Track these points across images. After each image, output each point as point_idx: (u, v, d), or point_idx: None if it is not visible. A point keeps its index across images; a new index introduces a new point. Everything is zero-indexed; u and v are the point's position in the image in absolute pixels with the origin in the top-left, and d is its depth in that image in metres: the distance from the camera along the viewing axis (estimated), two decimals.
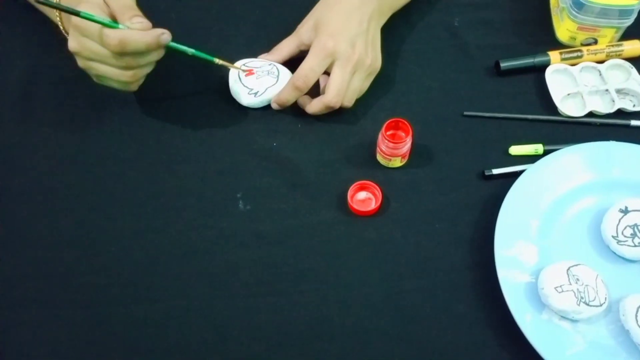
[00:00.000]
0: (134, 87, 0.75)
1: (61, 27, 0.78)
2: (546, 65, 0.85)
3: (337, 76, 0.76)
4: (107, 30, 0.67)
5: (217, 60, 0.76)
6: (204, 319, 0.70)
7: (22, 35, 0.88)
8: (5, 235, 0.75)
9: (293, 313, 0.70)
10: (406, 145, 0.76)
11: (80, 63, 0.73)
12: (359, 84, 0.79)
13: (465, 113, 0.83)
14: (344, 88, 0.77)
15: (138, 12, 0.70)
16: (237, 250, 0.74)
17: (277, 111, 0.81)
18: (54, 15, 0.78)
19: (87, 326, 0.70)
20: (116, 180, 0.78)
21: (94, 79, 0.75)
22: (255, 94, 0.80)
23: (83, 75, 0.84)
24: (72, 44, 0.70)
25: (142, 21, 0.69)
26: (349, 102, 0.79)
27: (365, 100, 0.81)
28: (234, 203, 0.76)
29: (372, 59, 0.79)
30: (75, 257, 0.74)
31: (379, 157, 0.79)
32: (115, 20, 0.69)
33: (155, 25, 0.71)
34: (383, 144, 0.76)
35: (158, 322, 0.70)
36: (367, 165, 0.79)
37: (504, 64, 0.85)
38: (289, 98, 0.79)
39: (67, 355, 0.69)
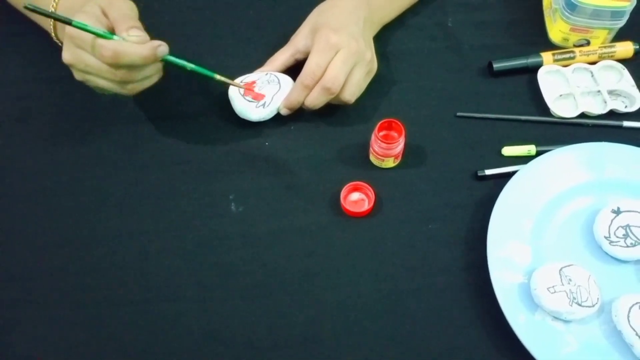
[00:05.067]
0: (131, 91, 0.73)
1: (53, 35, 0.78)
2: (539, 66, 0.86)
3: (338, 61, 0.75)
4: (100, 41, 0.65)
5: (217, 76, 0.75)
6: (196, 321, 0.70)
7: (20, 34, 0.88)
8: (4, 233, 0.75)
9: (286, 315, 0.70)
10: (399, 146, 0.76)
11: (77, 75, 0.71)
12: (360, 78, 0.78)
13: (458, 114, 0.83)
14: (343, 73, 0.76)
15: (137, 23, 0.69)
16: (230, 252, 0.74)
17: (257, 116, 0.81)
18: (47, 23, 0.78)
19: (79, 326, 0.70)
20: (109, 181, 0.78)
21: (96, 90, 0.73)
22: (264, 105, 0.79)
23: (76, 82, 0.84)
24: (66, 56, 0.69)
25: (139, 34, 0.68)
26: (350, 95, 0.78)
27: (357, 101, 0.80)
28: (226, 205, 0.76)
29: (371, 56, 0.80)
30: (67, 257, 0.74)
31: (372, 158, 0.79)
32: (112, 31, 0.68)
33: (151, 30, 0.70)
34: (376, 145, 0.76)
35: (150, 323, 0.70)
36: (360, 165, 0.79)
37: (497, 65, 0.85)
38: (299, 99, 0.78)
39: (59, 355, 0.69)
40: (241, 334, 0.69)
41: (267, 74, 0.81)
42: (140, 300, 0.71)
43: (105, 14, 0.69)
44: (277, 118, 0.81)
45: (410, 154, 0.79)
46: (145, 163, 0.79)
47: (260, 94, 0.79)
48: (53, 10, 0.74)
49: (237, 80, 0.80)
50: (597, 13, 0.83)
